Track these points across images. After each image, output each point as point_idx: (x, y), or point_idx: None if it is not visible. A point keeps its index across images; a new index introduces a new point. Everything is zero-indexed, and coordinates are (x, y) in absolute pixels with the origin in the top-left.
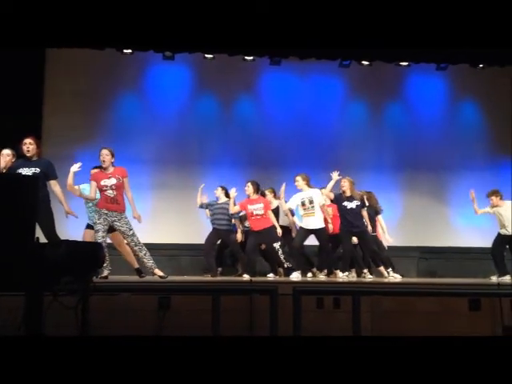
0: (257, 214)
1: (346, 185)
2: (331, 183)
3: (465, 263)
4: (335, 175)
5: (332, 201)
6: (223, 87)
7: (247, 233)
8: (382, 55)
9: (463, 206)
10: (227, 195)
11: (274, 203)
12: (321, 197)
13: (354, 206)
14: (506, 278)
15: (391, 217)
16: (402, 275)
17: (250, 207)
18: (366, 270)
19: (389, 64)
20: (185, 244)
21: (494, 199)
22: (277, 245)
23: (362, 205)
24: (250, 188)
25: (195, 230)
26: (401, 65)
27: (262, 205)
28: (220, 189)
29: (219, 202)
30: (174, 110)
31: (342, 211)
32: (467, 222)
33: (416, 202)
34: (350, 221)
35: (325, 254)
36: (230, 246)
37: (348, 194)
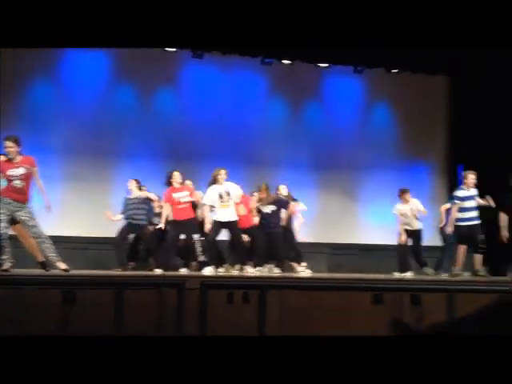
0: (184, 202)
1: (262, 194)
2: (254, 209)
3: (373, 259)
4: (253, 202)
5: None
6: (143, 77)
7: (159, 229)
8: (302, 55)
9: (373, 204)
10: (140, 188)
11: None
12: (238, 190)
13: (268, 211)
14: (407, 274)
15: (305, 213)
16: (311, 270)
17: (175, 195)
18: (273, 265)
19: (309, 64)
20: (96, 237)
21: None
22: (196, 236)
23: (278, 207)
24: (176, 177)
25: (107, 223)
26: (320, 66)
27: (187, 192)
28: (134, 182)
29: (132, 196)
30: (90, 98)
31: (260, 214)
32: (376, 219)
33: (329, 200)
34: (264, 224)
35: (237, 248)
36: (143, 240)
37: (264, 199)
